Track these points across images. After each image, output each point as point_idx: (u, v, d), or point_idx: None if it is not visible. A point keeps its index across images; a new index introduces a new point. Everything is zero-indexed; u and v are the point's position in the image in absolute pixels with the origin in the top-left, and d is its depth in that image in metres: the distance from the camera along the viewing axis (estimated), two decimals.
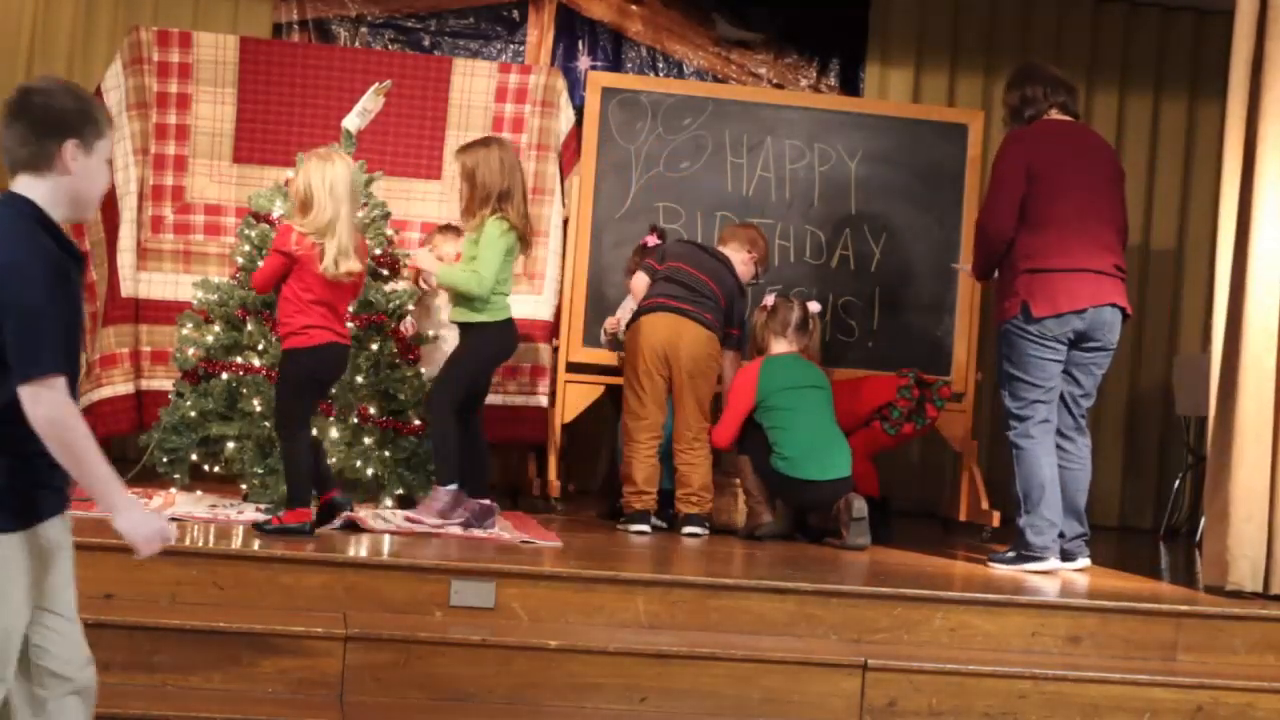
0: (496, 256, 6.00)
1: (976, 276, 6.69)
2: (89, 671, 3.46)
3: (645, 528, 6.52)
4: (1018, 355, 6.18)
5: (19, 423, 3.16)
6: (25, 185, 3.29)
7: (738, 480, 6.90)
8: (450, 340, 6.50)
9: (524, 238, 6.12)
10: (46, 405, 3.15)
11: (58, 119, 3.27)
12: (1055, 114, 6.32)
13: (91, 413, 7.08)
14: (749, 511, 6.79)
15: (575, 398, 7.44)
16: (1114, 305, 6.20)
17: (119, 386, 7.12)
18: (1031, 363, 6.16)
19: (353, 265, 5.60)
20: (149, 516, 3.35)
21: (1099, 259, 6.19)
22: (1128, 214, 6.44)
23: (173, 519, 5.68)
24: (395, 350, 6.43)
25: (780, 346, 6.81)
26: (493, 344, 6.14)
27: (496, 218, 6.02)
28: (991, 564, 6.21)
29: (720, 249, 6.97)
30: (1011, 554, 6.20)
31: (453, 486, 5.95)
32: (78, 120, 3.29)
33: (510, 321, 6.19)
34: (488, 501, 6.03)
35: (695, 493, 6.58)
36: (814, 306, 6.97)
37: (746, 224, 7.25)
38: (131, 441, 7.48)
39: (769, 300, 6.92)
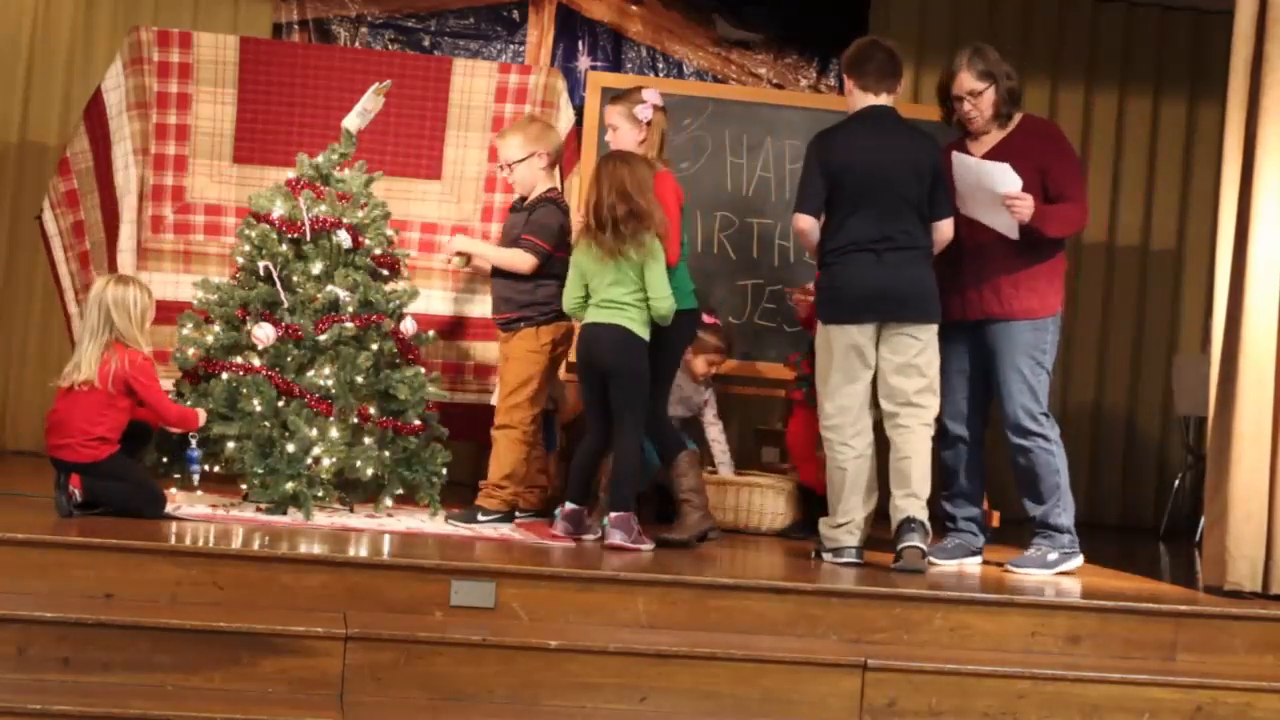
0: None
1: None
2: None
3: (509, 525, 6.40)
4: (1052, 355, 6.13)
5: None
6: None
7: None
8: None
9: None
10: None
11: None
12: None
13: None
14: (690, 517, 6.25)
15: (575, 398, 7.42)
16: None
17: None
18: (1053, 363, 6.17)
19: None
20: None
21: None
22: None
23: (172, 519, 5.73)
24: (395, 350, 6.43)
25: None
26: None
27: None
28: (1023, 571, 6.04)
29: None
30: (1055, 555, 6.09)
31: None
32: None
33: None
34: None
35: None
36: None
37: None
38: None
39: None
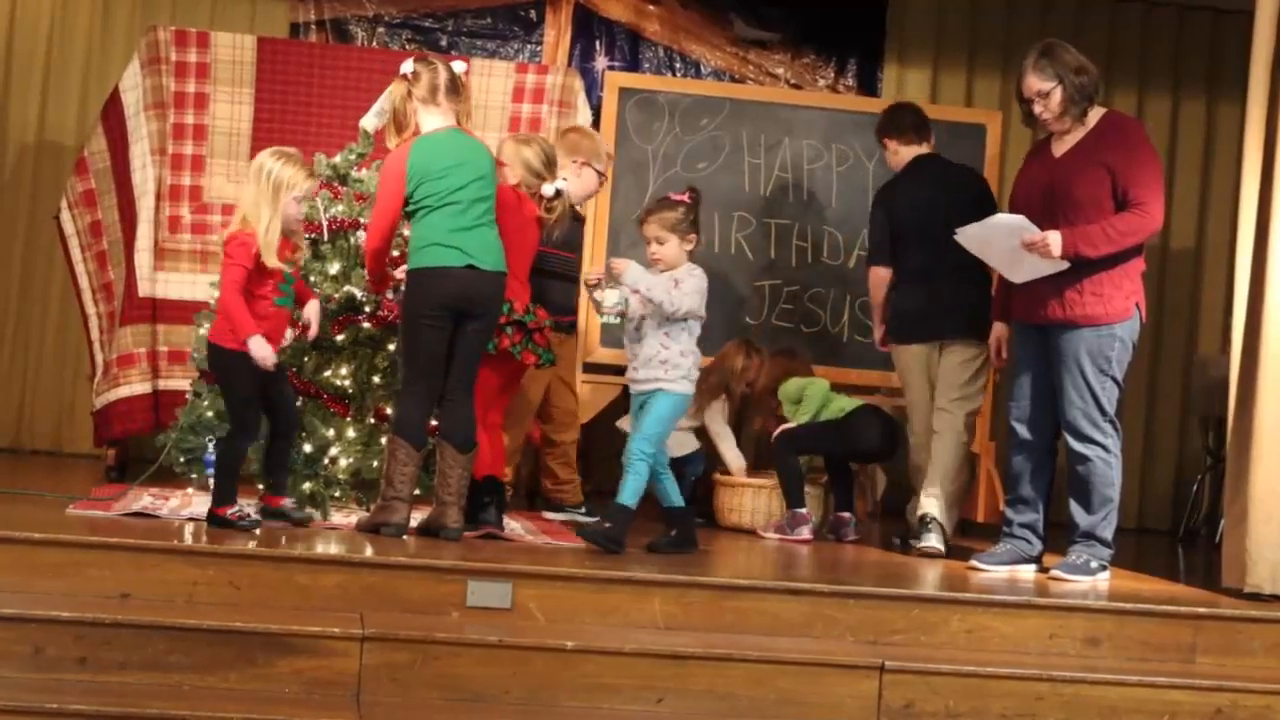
0: None
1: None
2: None
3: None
4: (1121, 363, 5.97)
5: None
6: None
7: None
8: None
9: None
10: None
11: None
12: None
13: (108, 412, 7.10)
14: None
15: (593, 398, 7.42)
16: None
17: (136, 386, 7.13)
18: (1124, 373, 6.02)
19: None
20: None
21: None
22: None
23: (189, 519, 5.73)
24: None
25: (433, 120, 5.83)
26: None
27: None
28: (1073, 578, 5.89)
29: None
30: (1096, 564, 5.96)
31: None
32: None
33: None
34: None
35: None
36: (459, 65, 6.00)
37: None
38: (149, 441, 7.51)
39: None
